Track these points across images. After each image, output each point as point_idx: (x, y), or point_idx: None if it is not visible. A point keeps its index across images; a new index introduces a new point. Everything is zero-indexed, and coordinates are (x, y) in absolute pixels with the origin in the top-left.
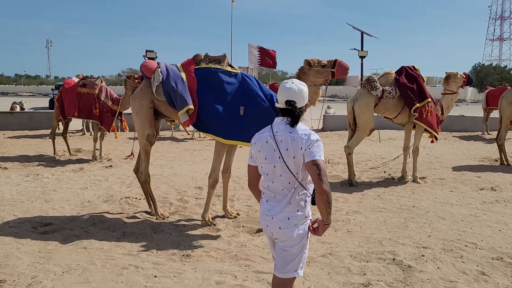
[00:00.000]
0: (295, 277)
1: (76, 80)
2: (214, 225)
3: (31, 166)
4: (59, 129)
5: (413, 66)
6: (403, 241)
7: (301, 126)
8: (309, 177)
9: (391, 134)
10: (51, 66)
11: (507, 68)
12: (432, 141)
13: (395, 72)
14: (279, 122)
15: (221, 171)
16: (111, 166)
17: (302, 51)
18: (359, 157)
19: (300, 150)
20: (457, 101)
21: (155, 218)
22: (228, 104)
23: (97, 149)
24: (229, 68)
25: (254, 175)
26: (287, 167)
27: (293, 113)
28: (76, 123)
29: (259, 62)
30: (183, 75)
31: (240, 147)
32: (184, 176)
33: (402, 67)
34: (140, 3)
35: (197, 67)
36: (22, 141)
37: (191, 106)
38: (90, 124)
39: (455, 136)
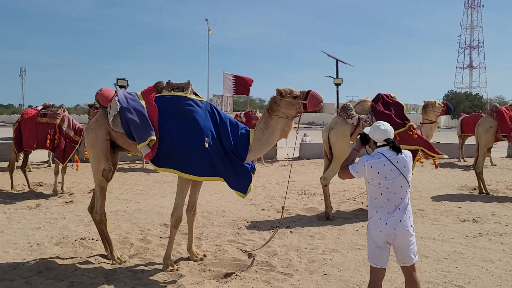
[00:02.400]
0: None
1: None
2: (177, 270)
3: None
4: (18, 161)
5: (390, 94)
6: (384, 286)
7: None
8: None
9: None
10: (24, 95)
11: (478, 96)
12: (436, 166)
13: (372, 100)
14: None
15: (185, 209)
16: (71, 201)
17: (279, 79)
18: (336, 187)
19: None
20: None
21: (111, 262)
22: (192, 135)
23: (59, 183)
24: (193, 97)
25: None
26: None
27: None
28: (42, 154)
29: (234, 90)
30: (143, 103)
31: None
32: (149, 212)
33: (379, 94)
34: (117, 32)
35: (158, 95)
36: None
37: (153, 138)
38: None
39: (432, 164)
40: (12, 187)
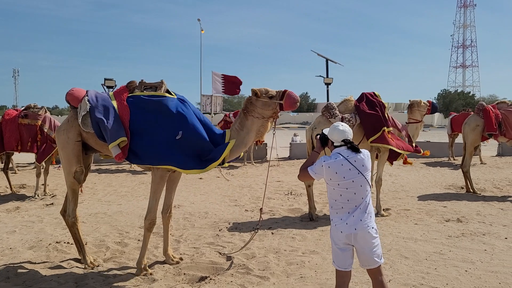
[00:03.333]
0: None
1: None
2: (151, 274)
3: None
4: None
5: (374, 93)
6: None
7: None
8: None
9: None
10: (18, 96)
11: (470, 94)
12: (404, 162)
13: (356, 99)
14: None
15: (161, 211)
16: (52, 204)
17: (270, 80)
18: (323, 187)
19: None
20: (425, 126)
21: (83, 267)
22: (164, 129)
23: (42, 185)
24: (166, 95)
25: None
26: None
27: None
28: (28, 156)
29: (223, 89)
30: (115, 103)
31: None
32: (130, 214)
33: (363, 93)
34: (111, 34)
35: (130, 94)
36: None
37: (124, 138)
38: None
39: (422, 163)
40: None
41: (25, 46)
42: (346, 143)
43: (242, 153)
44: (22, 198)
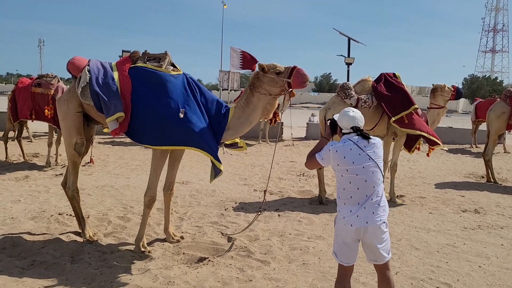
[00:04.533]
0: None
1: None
2: (149, 252)
3: None
4: (14, 131)
5: (394, 74)
6: (364, 280)
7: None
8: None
9: None
10: (43, 66)
11: (498, 80)
12: (428, 153)
13: (374, 80)
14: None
15: (162, 188)
16: (61, 174)
17: (290, 57)
18: None
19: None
20: (448, 111)
21: (82, 240)
22: (167, 106)
23: (54, 154)
24: (170, 69)
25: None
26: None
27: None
28: (45, 125)
29: (240, 65)
30: (116, 75)
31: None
32: (137, 189)
33: (381, 74)
34: (133, 5)
35: (132, 65)
36: None
37: (122, 114)
38: None
39: (443, 149)
40: (6, 157)
41: (50, 16)
42: (355, 130)
43: (260, 131)
44: (33, 167)
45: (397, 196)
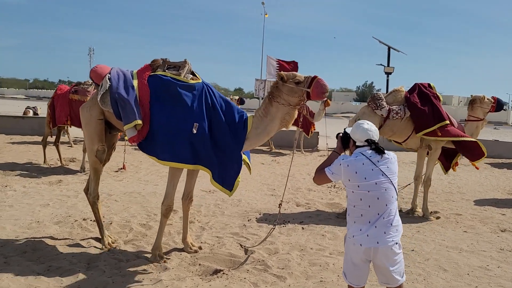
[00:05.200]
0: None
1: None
2: (164, 261)
3: (10, 175)
4: (51, 136)
5: (428, 84)
6: None
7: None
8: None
9: (413, 157)
10: None
11: None
12: (476, 167)
13: (408, 90)
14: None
15: (181, 197)
16: None
17: (329, 67)
18: None
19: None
20: (497, 124)
21: (100, 247)
22: (180, 119)
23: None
24: (189, 77)
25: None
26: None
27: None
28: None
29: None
30: (136, 83)
31: None
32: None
33: (416, 84)
34: (176, 15)
35: (151, 73)
36: (23, 147)
37: (139, 121)
38: None
39: (487, 163)
40: (44, 161)
41: (100, 25)
42: (370, 143)
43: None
44: (68, 171)
45: (431, 212)
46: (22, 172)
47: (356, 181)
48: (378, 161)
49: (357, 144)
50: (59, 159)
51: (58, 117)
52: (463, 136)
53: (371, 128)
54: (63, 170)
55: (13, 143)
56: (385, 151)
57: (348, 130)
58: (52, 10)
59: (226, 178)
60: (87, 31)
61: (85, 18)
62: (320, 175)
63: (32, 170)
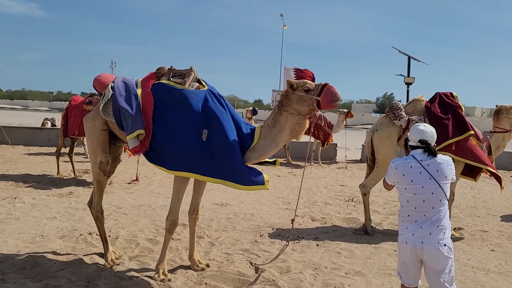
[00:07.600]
0: None
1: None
2: (169, 280)
3: (21, 187)
4: (65, 147)
5: (450, 93)
6: None
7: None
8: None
9: None
10: None
11: None
12: (502, 187)
13: (428, 100)
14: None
15: (188, 212)
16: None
17: (347, 78)
18: (390, 195)
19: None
20: None
21: (103, 264)
22: (188, 127)
23: None
24: (195, 85)
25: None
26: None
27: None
28: None
29: None
30: (139, 92)
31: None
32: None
33: (437, 93)
34: (196, 27)
35: (155, 82)
36: (39, 158)
37: (142, 131)
38: None
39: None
40: (58, 173)
41: (122, 38)
42: (422, 143)
43: (315, 152)
44: (81, 183)
45: (454, 228)
46: (35, 183)
47: (404, 183)
48: (428, 165)
49: (411, 144)
50: (72, 170)
51: (70, 127)
52: (482, 163)
53: (426, 130)
54: (75, 181)
55: (29, 154)
56: (438, 154)
57: None
58: (76, 24)
59: (253, 175)
60: (109, 44)
61: (108, 32)
62: (384, 179)
63: (44, 182)
